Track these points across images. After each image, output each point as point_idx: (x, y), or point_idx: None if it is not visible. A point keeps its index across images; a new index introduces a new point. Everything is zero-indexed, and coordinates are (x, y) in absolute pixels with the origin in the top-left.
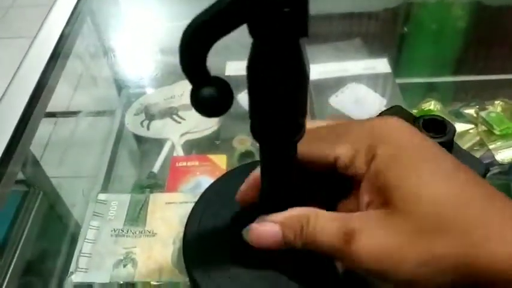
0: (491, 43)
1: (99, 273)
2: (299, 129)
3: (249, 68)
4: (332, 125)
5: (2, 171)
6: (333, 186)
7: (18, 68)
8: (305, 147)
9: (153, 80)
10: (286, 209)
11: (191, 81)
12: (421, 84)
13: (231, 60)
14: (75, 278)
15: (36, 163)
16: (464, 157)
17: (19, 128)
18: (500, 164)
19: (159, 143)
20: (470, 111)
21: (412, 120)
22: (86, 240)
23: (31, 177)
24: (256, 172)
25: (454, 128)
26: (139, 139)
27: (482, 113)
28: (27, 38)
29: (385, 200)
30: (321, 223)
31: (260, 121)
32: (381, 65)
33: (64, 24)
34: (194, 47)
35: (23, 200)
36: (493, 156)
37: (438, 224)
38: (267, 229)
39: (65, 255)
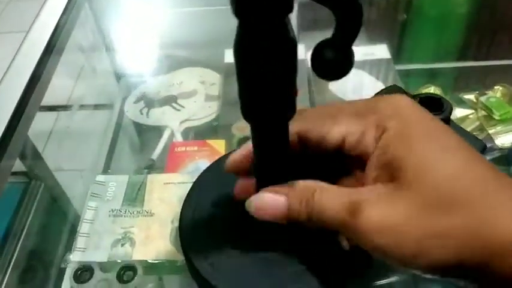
0: (491, 29)
1: (97, 253)
2: (290, 106)
3: (237, 48)
4: (336, 104)
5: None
6: (332, 168)
7: (14, 58)
8: (309, 126)
9: (152, 69)
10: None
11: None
12: (422, 71)
13: (230, 47)
14: (73, 257)
15: (37, 155)
16: (462, 133)
17: (13, 120)
18: (500, 149)
19: (159, 130)
20: (470, 96)
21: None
22: (84, 220)
23: (32, 170)
24: (248, 144)
25: (451, 105)
26: (138, 127)
27: (482, 98)
28: (24, 32)
29: (393, 174)
30: (327, 195)
31: (251, 100)
32: (381, 51)
33: (60, 13)
34: None
35: (25, 192)
36: (493, 141)
37: (447, 198)
38: (272, 199)
39: (65, 245)
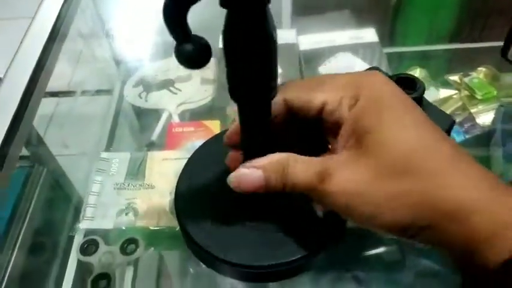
0: (479, 12)
1: (104, 221)
2: (271, 88)
3: (223, 36)
4: (321, 76)
5: (5, 151)
6: (313, 144)
7: (19, 47)
8: (295, 94)
9: (150, 54)
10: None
11: (174, 38)
12: (410, 53)
13: None
14: (82, 225)
15: (40, 140)
16: (433, 110)
17: (21, 108)
18: (481, 127)
19: (157, 113)
20: (455, 77)
21: None
22: (91, 193)
23: (35, 154)
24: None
25: (424, 85)
26: (137, 111)
27: (466, 79)
28: (28, 18)
29: (359, 142)
30: (299, 165)
31: (236, 82)
32: (369, 35)
33: (62, 2)
34: (175, 7)
35: (28, 176)
36: (474, 119)
37: (407, 165)
38: (250, 173)
39: (69, 225)
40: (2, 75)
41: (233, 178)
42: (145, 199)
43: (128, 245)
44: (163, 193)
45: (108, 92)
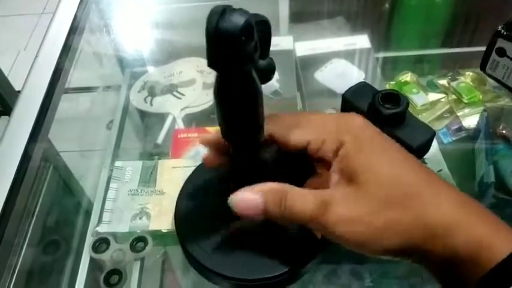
0: (468, 17)
1: (120, 225)
2: (257, 131)
3: (215, 92)
4: (299, 114)
5: (31, 147)
6: (299, 168)
7: (39, 50)
8: (279, 131)
9: (154, 59)
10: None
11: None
12: (402, 58)
13: None
14: (100, 228)
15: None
16: (416, 123)
17: (44, 106)
18: (467, 129)
19: (162, 117)
20: (443, 81)
21: (373, 94)
22: (107, 199)
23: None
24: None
25: (407, 100)
26: (143, 114)
27: (453, 83)
28: (32, 15)
29: (351, 179)
30: (297, 196)
31: (227, 128)
32: (362, 41)
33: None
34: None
35: (36, 173)
36: (461, 122)
37: (394, 198)
38: (250, 199)
39: (74, 223)
40: (7, 71)
41: (233, 201)
42: (156, 204)
43: (137, 242)
44: (173, 198)
45: (115, 95)
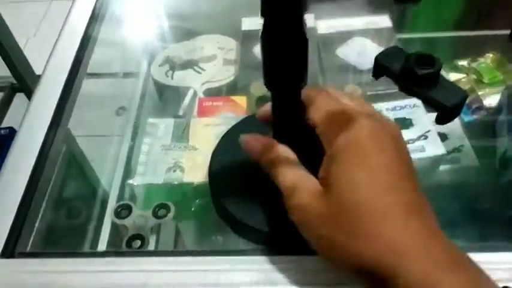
0: (489, 1)
1: (154, 177)
2: (300, 79)
3: (262, 38)
4: (316, 93)
5: (53, 132)
6: None
7: (62, 28)
8: (308, 99)
9: (175, 36)
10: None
11: None
12: (422, 40)
13: (246, 16)
14: (134, 181)
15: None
16: (449, 84)
17: (66, 89)
18: (488, 108)
19: (182, 91)
20: (464, 63)
21: (407, 55)
22: (142, 152)
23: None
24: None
25: (441, 62)
26: (162, 90)
27: (474, 64)
28: (40, 1)
29: (328, 181)
30: (286, 167)
31: (274, 75)
32: (383, 21)
33: None
34: None
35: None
36: (481, 101)
37: (359, 224)
38: (257, 145)
39: (85, 202)
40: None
41: (244, 140)
42: (189, 159)
43: (160, 209)
44: (205, 154)
45: (135, 72)
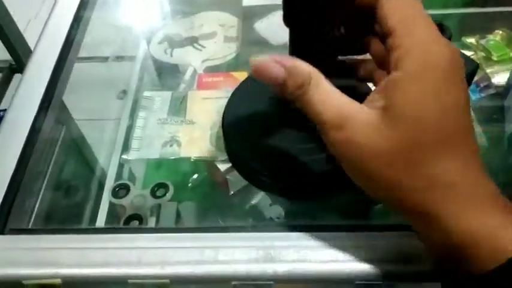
0: None
1: (150, 151)
2: (322, 20)
3: None
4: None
5: (42, 116)
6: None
7: (50, 15)
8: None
9: (173, 12)
10: None
11: None
12: (430, 16)
13: None
14: (129, 156)
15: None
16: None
17: (56, 72)
18: (496, 86)
19: (182, 69)
20: (472, 40)
21: None
22: (136, 127)
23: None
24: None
25: (450, 30)
26: (161, 68)
27: (482, 41)
28: None
29: (385, 107)
30: (320, 93)
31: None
32: None
33: None
34: None
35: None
36: (490, 79)
37: (417, 147)
38: (274, 67)
39: (82, 181)
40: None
41: (256, 61)
42: (187, 133)
43: (158, 188)
44: (203, 128)
45: (133, 49)
